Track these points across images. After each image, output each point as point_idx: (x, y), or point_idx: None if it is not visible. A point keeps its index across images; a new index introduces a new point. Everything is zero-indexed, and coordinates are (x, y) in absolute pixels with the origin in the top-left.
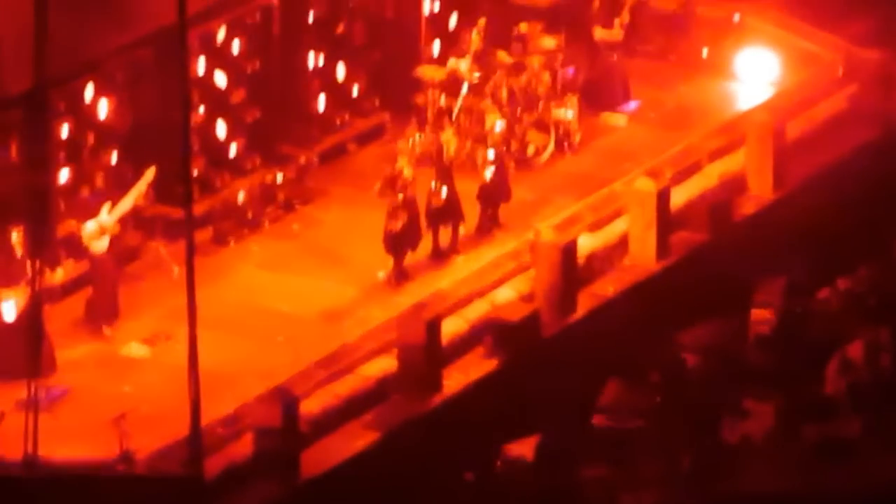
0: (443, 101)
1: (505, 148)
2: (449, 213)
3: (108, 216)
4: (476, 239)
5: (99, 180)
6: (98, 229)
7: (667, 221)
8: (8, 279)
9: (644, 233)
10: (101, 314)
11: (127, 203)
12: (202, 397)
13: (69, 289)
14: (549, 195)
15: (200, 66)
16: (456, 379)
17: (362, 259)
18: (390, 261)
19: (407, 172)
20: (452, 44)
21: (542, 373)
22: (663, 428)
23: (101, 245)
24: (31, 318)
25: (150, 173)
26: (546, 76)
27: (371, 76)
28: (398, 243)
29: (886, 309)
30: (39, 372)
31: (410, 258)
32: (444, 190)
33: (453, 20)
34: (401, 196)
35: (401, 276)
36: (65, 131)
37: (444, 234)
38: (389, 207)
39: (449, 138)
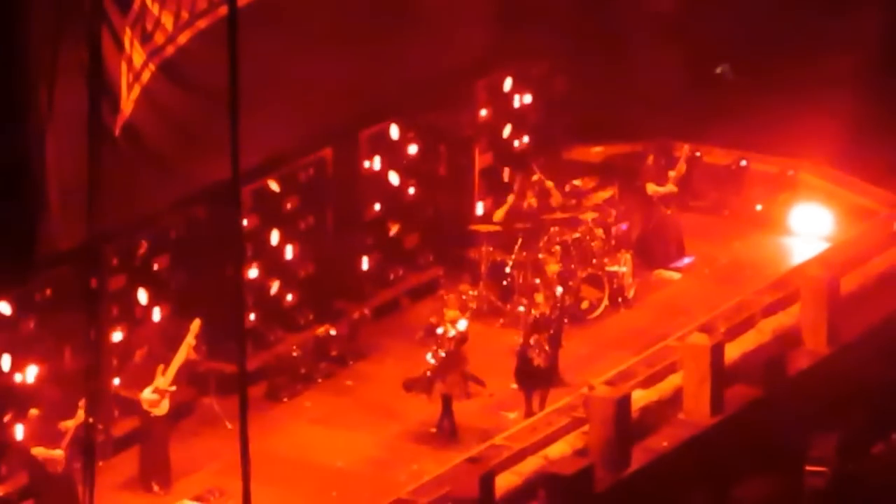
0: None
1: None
2: (544, 377)
3: (163, 379)
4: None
5: (153, 338)
6: (157, 395)
7: (721, 376)
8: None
9: (698, 387)
10: (153, 472)
11: (178, 360)
12: None
13: (122, 444)
14: (602, 350)
15: (254, 221)
16: None
17: (416, 413)
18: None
19: (452, 324)
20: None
21: None
22: None
23: (162, 409)
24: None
25: (195, 326)
26: (600, 231)
27: (424, 231)
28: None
29: None
30: None
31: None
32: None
33: (506, 175)
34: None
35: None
36: (118, 287)
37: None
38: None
39: (541, 302)
